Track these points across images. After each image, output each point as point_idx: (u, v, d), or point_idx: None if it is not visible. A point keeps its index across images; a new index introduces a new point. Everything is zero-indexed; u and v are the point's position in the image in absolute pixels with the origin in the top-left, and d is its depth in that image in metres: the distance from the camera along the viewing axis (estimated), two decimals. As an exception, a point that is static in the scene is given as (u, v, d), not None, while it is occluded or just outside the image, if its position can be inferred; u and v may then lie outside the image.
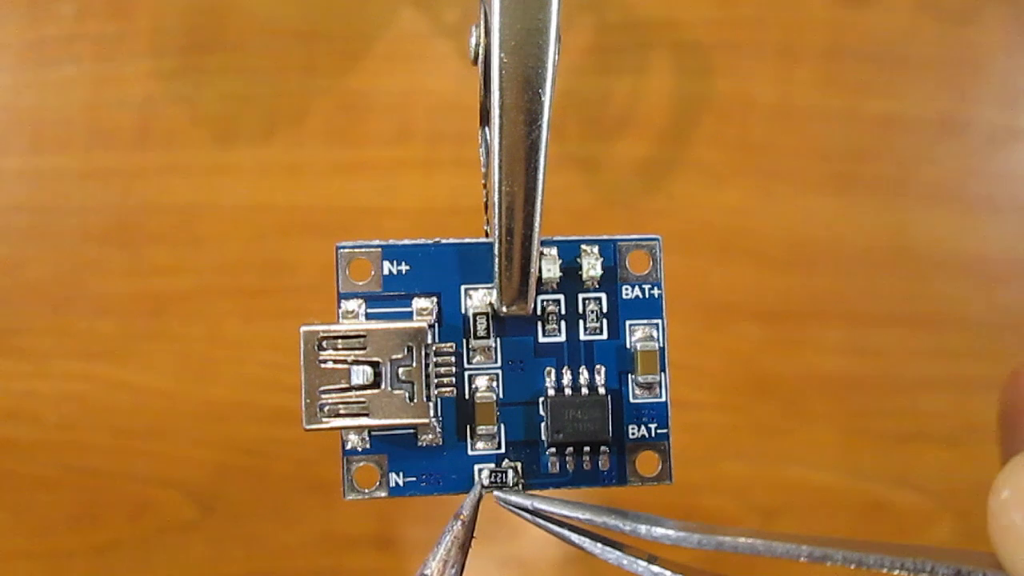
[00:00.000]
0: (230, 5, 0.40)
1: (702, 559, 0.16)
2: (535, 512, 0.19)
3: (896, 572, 0.14)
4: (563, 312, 0.20)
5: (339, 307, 0.20)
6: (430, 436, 0.19)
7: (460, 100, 0.39)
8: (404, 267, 0.20)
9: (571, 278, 0.20)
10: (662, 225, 0.38)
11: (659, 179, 0.39)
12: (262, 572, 0.38)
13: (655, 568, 0.16)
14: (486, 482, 0.19)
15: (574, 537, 0.18)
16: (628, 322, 0.20)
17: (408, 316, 0.20)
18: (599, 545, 0.17)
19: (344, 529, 0.38)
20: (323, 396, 0.18)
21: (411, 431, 0.19)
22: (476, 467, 0.20)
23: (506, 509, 0.19)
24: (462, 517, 0.18)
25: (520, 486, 0.19)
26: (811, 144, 0.40)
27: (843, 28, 0.40)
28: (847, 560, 0.15)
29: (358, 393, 0.18)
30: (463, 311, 0.20)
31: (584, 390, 0.20)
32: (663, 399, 0.20)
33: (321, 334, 0.18)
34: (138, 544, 0.38)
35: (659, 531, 0.16)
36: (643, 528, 0.16)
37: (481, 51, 0.18)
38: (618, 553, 0.17)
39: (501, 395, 0.20)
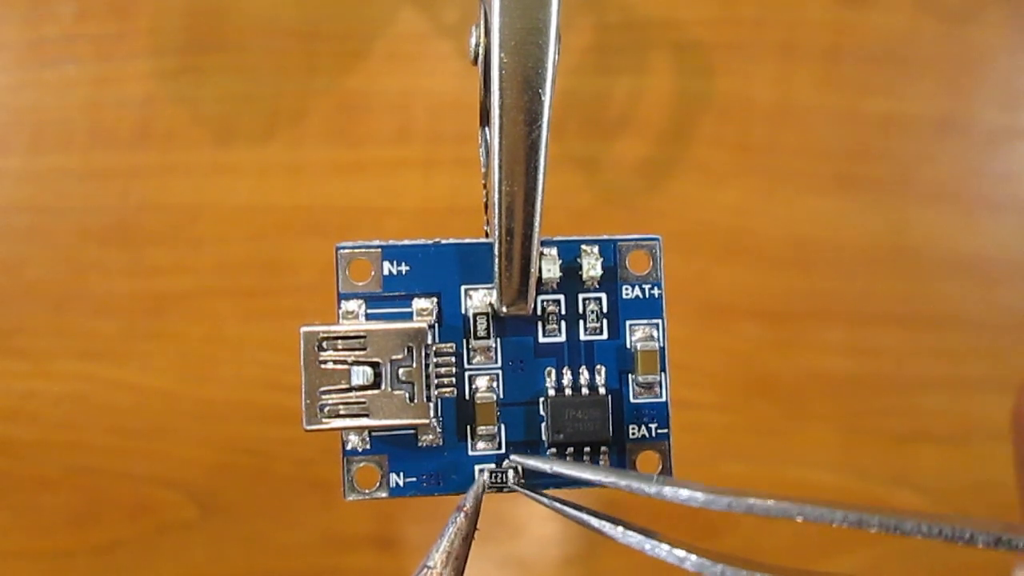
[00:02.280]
0: (230, 5, 0.40)
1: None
2: (553, 475, 0.18)
3: (934, 538, 0.14)
4: (563, 312, 0.20)
5: (339, 307, 0.20)
6: (430, 436, 0.19)
7: (460, 100, 0.39)
8: (404, 267, 0.20)
9: (571, 278, 0.20)
10: (662, 225, 0.38)
11: (659, 179, 0.39)
12: (262, 572, 0.38)
13: (679, 552, 0.15)
14: (487, 482, 0.19)
15: (593, 521, 0.17)
16: (628, 322, 0.20)
17: (408, 316, 0.20)
18: (620, 528, 0.16)
19: (344, 529, 0.38)
20: (323, 397, 0.18)
21: (411, 431, 0.19)
22: (476, 467, 0.20)
23: (521, 492, 0.19)
24: (465, 509, 0.18)
25: (520, 486, 0.19)
26: (811, 144, 0.40)
27: (843, 28, 0.40)
28: (883, 526, 0.14)
29: (358, 394, 0.18)
30: (463, 311, 0.20)
31: (584, 390, 0.20)
32: (663, 399, 0.20)
33: (321, 335, 0.18)
34: (138, 544, 0.38)
35: (685, 493, 0.15)
36: (668, 490, 0.15)
37: (481, 51, 0.18)
38: (640, 536, 0.16)
39: (501, 395, 0.20)
